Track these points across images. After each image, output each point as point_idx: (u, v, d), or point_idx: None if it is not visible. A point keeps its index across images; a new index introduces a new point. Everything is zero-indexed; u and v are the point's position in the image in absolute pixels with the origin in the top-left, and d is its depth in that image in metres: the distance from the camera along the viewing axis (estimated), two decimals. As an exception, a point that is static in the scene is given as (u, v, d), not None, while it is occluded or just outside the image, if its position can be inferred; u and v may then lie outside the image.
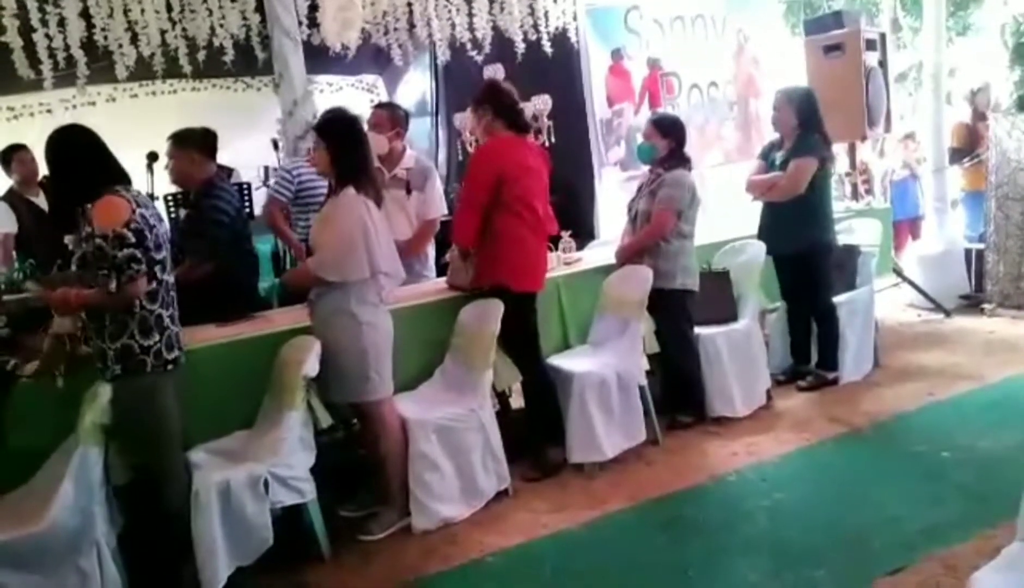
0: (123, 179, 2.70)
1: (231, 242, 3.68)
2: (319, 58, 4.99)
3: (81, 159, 2.64)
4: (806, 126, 4.27)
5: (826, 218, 4.36)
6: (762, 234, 4.38)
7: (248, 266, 3.90)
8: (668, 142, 4.02)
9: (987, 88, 6.61)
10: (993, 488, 3.03)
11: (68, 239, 2.67)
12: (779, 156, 4.34)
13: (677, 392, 4.07)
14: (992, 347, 4.96)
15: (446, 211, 4.32)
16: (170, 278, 2.75)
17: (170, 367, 2.68)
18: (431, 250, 4.42)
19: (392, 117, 4.14)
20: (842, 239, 4.57)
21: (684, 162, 4.04)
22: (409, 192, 4.07)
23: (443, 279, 3.89)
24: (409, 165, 4.15)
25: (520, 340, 3.58)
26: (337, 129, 3.14)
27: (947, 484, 3.19)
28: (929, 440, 3.61)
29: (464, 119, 4.90)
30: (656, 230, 3.91)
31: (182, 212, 4.07)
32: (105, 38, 4.08)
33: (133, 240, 2.54)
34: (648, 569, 2.78)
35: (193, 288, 3.08)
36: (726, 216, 5.06)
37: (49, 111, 5.66)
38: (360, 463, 3.38)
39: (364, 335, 3.05)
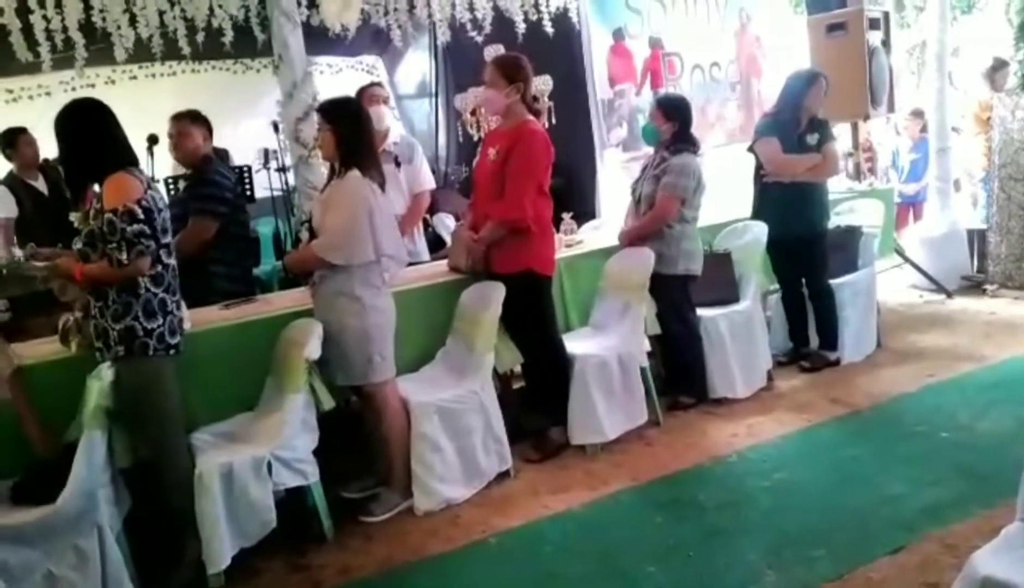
0: (134, 161, 2.69)
1: (229, 217, 3.70)
2: (319, 39, 4.96)
3: (93, 135, 2.63)
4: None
5: (825, 203, 4.35)
6: (756, 218, 4.34)
7: (241, 250, 3.90)
8: (672, 125, 3.95)
9: (1004, 66, 6.40)
10: (993, 468, 3.05)
11: (73, 216, 2.66)
12: (813, 139, 4.25)
13: (678, 373, 4.08)
14: (993, 328, 4.96)
15: (434, 184, 4.45)
16: (174, 263, 2.75)
17: (171, 352, 2.69)
18: (422, 236, 4.52)
19: (383, 92, 4.37)
20: (844, 220, 4.55)
21: (691, 145, 3.98)
22: (398, 165, 4.16)
23: (444, 262, 3.89)
24: (395, 139, 4.27)
25: (539, 322, 3.57)
26: (342, 112, 3.15)
27: (947, 464, 3.20)
28: (929, 421, 3.63)
29: (465, 100, 4.88)
30: (659, 217, 3.88)
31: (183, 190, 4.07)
32: (103, 20, 4.05)
33: (142, 216, 2.55)
34: (649, 549, 2.80)
35: (191, 265, 3.08)
36: (728, 197, 5.03)
37: (48, 93, 5.64)
38: (359, 443, 3.39)
39: (368, 318, 3.06)
